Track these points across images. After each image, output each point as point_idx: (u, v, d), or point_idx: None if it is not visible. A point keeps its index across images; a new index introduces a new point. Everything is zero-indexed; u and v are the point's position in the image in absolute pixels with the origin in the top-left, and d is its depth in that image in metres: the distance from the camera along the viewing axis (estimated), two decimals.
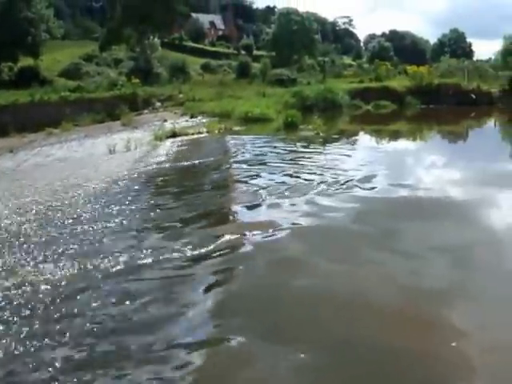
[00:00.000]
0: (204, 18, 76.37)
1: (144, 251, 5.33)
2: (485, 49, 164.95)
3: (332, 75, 34.83)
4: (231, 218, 6.60)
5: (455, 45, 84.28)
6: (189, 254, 5.22)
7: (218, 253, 5.22)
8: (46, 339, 3.70)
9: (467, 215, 6.66)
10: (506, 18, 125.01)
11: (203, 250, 5.27)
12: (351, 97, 24.47)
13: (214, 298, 4.30)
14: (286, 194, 7.53)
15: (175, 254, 5.21)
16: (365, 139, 15.98)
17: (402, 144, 14.88)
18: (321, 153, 11.96)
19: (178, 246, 5.41)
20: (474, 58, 68.27)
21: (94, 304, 4.22)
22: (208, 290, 4.45)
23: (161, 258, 5.13)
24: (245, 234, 5.78)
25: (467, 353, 3.48)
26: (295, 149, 12.61)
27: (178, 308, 4.14)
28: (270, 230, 5.83)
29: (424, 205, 7.14)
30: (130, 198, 7.82)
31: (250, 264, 5.02)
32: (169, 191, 8.30)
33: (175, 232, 6.03)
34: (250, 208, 6.91)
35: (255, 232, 5.81)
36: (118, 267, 4.94)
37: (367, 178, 8.53)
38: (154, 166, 10.63)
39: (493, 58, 69.23)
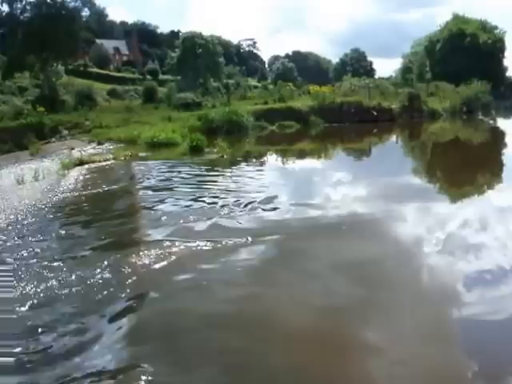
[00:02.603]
0: (108, 44, 75.66)
1: (51, 282, 5.32)
2: (385, 67, 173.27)
3: (237, 97, 35.43)
4: (137, 245, 6.66)
5: (357, 64, 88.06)
6: (98, 282, 5.28)
7: (126, 280, 5.31)
8: None
9: (373, 231, 7.04)
10: (404, 37, 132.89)
11: (112, 278, 5.36)
12: (256, 118, 24.99)
13: (124, 326, 4.37)
14: (191, 218, 7.74)
15: (84, 284, 5.25)
16: (270, 160, 16.44)
17: (308, 163, 15.47)
18: (225, 176, 12.33)
19: (86, 276, 5.46)
20: (376, 76, 71.84)
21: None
22: (118, 318, 4.53)
23: (69, 288, 5.16)
24: (151, 261, 5.87)
25: (376, 368, 3.68)
26: (200, 173, 12.95)
27: (88, 338, 4.17)
28: (176, 256, 5.97)
29: (329, 223, 7.45)
30: (37, 229, 7.72)
31: (157, 290, 5.15)
32: (76, 220, 8.28)
33: (83, 261, 6.05)
34: (155, 234, 7.02)
35: (161, 258, 5.91)
36: (25, 300, 4.88)
37: (270, 199, 8.87)
38: (62, 195, 10.51)
39: (393, 75, 73.15)
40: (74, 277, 5.47)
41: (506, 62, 60.64)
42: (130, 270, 5.63)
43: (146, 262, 5.88)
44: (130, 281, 5.33)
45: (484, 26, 57.29)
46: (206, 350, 3.98)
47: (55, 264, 6.00)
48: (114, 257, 6.07)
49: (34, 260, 6.19)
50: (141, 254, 6.14)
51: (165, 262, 5.81)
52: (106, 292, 5.06)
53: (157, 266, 5.74)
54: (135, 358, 3.91)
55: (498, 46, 56.40)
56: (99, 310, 4.73)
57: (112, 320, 4.52)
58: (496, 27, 58.51)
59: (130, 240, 6.96)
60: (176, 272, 5.56)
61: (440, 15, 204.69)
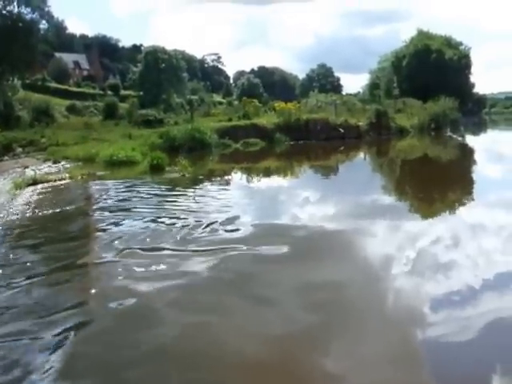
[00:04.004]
0: (68, 58, 74.55)
1: None
2: (353, 83, 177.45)
3: (201, 114, 35.12)
4: (88, 270, 6.44)
5: (324, 79, 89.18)
6: (40, 311, 4.99)
7: (69, 309, 5.04)
8: None
9: (339, 252, 6.93)
10: (370, 52, 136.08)
11: (55, 307, 5.08)
12: (220, 135, 24.65)
13: (58, 360, 4.07)
14: (147, 240, 7.46)
15: (24, 313, 4.95)
16: (233, 178, 16.18)
17: (273, 181, 15.30)
18: (186, 195, 11.99)
19: (28, 304, 5.18)
20: (343, 92, 72.62)
21: None
22: (52, 351, 4.22)
23: (7, 318, 4.86)
24: (95, 287, 5.71)
25: None
26: (160, 192, 12.61)
27: (22, 372, 3.89)
28: (126, 282, 5.73)
29: (294, 245, 7.19)
30: None
31: (102, 320, 4.86)
32: (26, 244, 7.89)
33: (27, 288, 5.73)
34: (105, 259, 6.73)
35: (106, 285, 5.73)
36: None
37: (233, 220, 8.62)
38: (12, 216, 10.06)
39: (361, 91, 74.01)
40: (9, 305, 5.18)
41: (472, 79, 62.13)
42: (71, 297, 5.40)
43: (90, 288, 5.72)
44: (69, 309, 5.05)
45: (449, 42, 58.53)
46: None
47: None
48: (57, 284, 5.85)
49: None
50: (85, 280, 6.02)
51: (109, 289, 5.60)
52: (42, 322, 4.76)
53: (100, 292, 5.56)
54: None
55: (463, 62, 57.64)
56: (32, 342, 4.39)
57: (45, 353, 4.19)
58: (461, 43, 59.97)
59: (77, 265, 6.61)
60: (120, 299, 5.27)
61: (404, 31, 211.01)
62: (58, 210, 10.37)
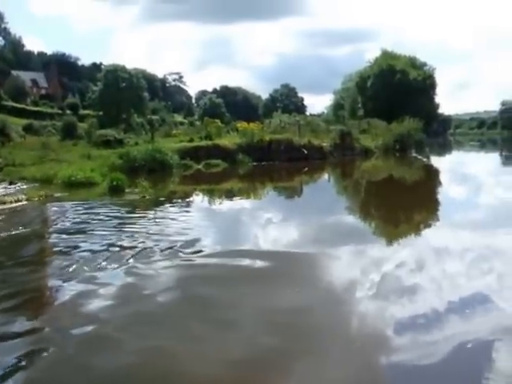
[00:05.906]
0: (25, 76, 72.97)
1: None
2: (317, 103, 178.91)
3: (162, 134, 34.87)
4: (40, 296, 6.29)
5: (287, 100, 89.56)
6: None
7: (21, 336, 4.87)
8: None
9: (302, 276, 6.78)
10: (333, 73, 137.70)
11: (5, 334, 4.90)
12: (181, 156, 24.51)
13: None
14: (104, 264, 7.31)
15: None
16: (195, 200, 16.07)
17: (235, 203, 15.13)
18: (146, 217, 11.84)
19: None
20: (307, 113, 72.75)
21: None
22: (9, 376, 4.06)
23: None
24: (54, 312, 5.57)
25: None
26: (119, 215, 12.39)
27: None
28: (81, 307, 5.61)
29: (256, 268, 7.13)
30: None
31: (57, 345, 4.69)
32: None
33: None
34: (63, 282, 6.54)
35: (65, 309, 5.58)
36: None
37: (193, 242, 8.53)
38: None
39: (325, 112, 74.40)
40: None
41: (437, 99, 63.08)
42: (23, 324, 5.23)
43: (43, 314, 5.60)
44: (21, 336, 4.88)
45: (413, 63, 59.35)
46: None
47: None
48: (8, 311, 5.61)
49: None
50: (40, 306, 5.90)
51: (64, 314, 5.45)
52: None
53: (54, 318, 5.41)
54: None
55: (428, 82, 58.45)
56: None
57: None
58: (425, 64, 60.86)
59: (31, 292, 6.40)
60: (75, 325, 5.11)
61: (369, 51, 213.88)
62: (12, 233, 10.07)
